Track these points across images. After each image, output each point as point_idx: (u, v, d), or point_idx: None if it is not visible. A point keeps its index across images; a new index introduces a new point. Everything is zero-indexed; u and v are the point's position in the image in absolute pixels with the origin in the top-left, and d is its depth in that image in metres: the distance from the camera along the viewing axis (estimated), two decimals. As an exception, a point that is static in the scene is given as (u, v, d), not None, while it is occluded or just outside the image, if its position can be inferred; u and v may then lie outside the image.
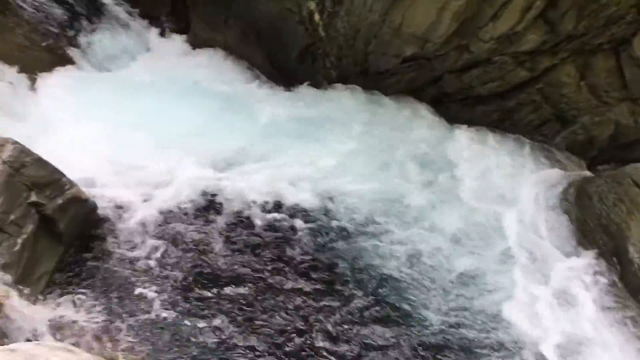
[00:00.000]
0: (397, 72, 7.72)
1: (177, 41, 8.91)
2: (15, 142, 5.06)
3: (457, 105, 7.95)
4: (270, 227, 6.16)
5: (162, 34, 8.98)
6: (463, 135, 7.59)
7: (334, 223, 6.33)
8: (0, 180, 4.78)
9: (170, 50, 8.55)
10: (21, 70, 7.60)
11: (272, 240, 6.03)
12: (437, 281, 5.88)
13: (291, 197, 6.49)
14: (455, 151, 7.37)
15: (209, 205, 6.25)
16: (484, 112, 7.79)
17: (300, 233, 6.14)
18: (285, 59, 8.06)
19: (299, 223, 6.23)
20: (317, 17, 7.64)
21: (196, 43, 8.69)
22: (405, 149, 7.26)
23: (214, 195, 6.35)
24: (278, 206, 6.40)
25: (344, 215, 6.43)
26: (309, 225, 6.24)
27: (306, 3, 7.59)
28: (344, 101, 7.80)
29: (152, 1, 9.15)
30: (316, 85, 8.15)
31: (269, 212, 6.31)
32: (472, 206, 6.76)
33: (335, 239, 6.17)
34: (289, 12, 7.79)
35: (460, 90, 7.76)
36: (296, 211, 6.37)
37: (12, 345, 3.10)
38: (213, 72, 8.11)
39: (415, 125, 7.56)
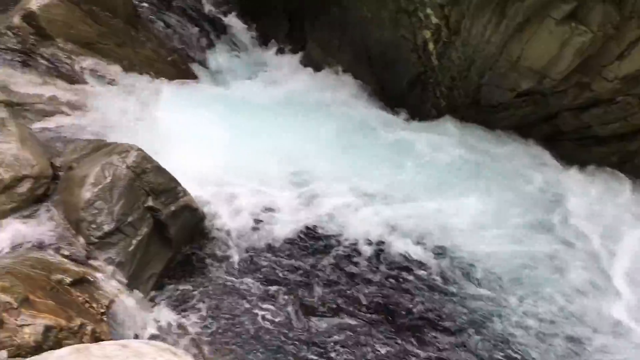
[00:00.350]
0: (511, 107, 7.52)
1: (292, 61, 9.22)
2: (139, 149, 5.39)
3: (571, 144, 7.61)
4: (387, 265, 6.06)
5: (278, 54, 9.33)
6: (581, 177, 7.20)
7: (461, 282, 6.01)
8: (123, 184, 5.10)
9: (285, 69, 8.84)
10: (148, 82, 8.17)
11: (385, 283, 5.90)
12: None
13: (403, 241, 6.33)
14: (577, 196, 6.95)
15: (324, 232, 6.26)
16: (602, 153, 7.40)
17: (414, 283, 5.95)
18: (396, 86, 8.09)
19: (416, 270, 6.08)
20: (431, 46, 7.61)
21: (310, 64, 8.94)
22: (520, 192, 6.95)
23: (330, 221, 6.36)
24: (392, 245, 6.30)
25: (480, 278, 6.07)
26: (426, 274, 6.05)
27: (421, 32, 7.59)
28: (453, 132, 7.68)
29: (271, 23, 9.53)
30: (423, 114, 8.10)
31: (381, 249, 6.22)
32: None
33: (459, 299, 5.84)
34: (403, 40, 7.83)
35: (577, 129, 7.42)
36: (412, 257, 6.21)
37: (123, 341, 3.28)
38: (328, 92, 8.29)
39: (528, 164, 7.27)
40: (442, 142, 7.51)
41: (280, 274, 5.74)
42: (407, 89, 8.07)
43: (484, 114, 7.77)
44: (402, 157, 7.34)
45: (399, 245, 6.27)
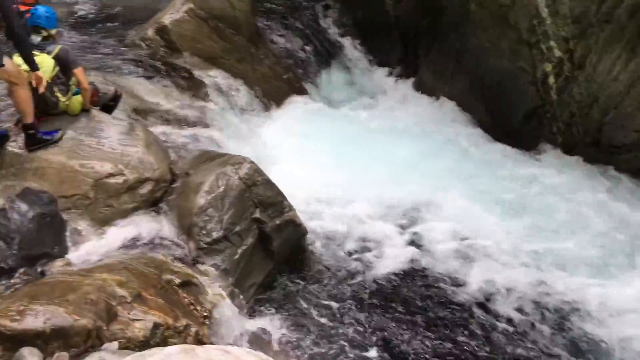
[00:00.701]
0: (635, 149, 7.05)
1: (404, 86, 9.24)
2: (252, 162, 5.58)
3: None
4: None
5: (390, 77, 9.38)
6: None
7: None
8: (234, 194, 5.29)
9: (397, 93, 8.87)
10: (262, 97, 8.48)
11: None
12: None
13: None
14: None
15: (433, 276, 5.92)
16: None
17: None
18: (509, 118, 7.86)
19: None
20: (551, 79, 7.34)
21: (421, 89, 8.91)
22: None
23: (443, 265, 6.02)
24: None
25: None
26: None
27: (542, 64, 7.35)
28: (571, 173, 7.28)
29: (385, 47, 9.60)
30: (535, 148, 7.79)
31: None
32: None
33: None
34: (521, 71, 7.61)
35: None
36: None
37: (226, 347, 3.38)
38: (437, 119, 8.20)
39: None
40: (576, 183, 7.02)
41: (374, 299, 5.58)
42: (521, 121, 7.82)
43: (605, 154, 7.34)
44: (544, 196, 6.84)
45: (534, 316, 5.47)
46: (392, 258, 6.02)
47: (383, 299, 5.65)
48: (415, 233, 6.38)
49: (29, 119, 4.94)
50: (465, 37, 8.12)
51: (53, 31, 5.35)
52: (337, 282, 5.81)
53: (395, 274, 5.89)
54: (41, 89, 4.88)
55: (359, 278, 5.82)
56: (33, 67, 4.80)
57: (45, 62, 5.08)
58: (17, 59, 4.84)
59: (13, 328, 3.45)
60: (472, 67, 8.24)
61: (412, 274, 5.92)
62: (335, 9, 10.42)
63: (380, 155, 7.35)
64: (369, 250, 6.11)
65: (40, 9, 5.25)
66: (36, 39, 5.17)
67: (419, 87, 8.99)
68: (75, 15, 9.69)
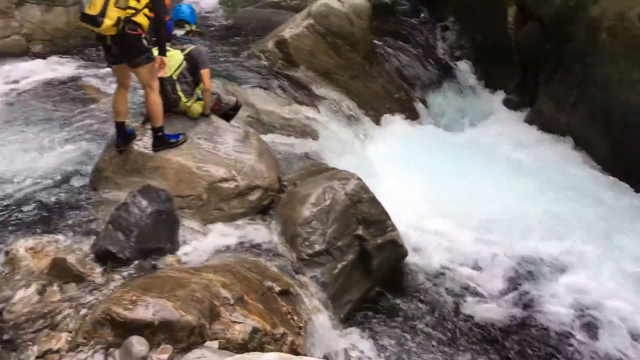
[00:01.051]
0: None
1: (519, 114, 8.91)
2: (359, 179, 5.59)
3: None
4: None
5: (504, 105, 9.08)
6: None
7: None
8: (339, 209, 5.32)
9: (511, 121, 8.56)
10: (372, 115, 8.51)
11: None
12: None
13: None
14: None
15: (529, 314, 5.54)
16: None
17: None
18: (637, 154, 7.31)
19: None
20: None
21: (538, 119, 8.54)
22: None
23: (539, 306, 5.59)
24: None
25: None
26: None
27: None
28: None
29: (502, 72, 9.33)
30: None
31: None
32: None
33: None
34: (655, 106, 7.09)
35: None
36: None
37: (320, 361, 3.39)
38: (554, 153, 7.78)
39: None
40: None
41: (468, 345, 5.26)
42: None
43: None
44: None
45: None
46: (497, 298, 5.70)
47: (480, 338, 5.36)
48: (530, 282, 5.87)
49: (159, 122, 5.26)
50: (591, 67, 7.69)
51: (194, 26, 5.73)
52: (433, 309, 5.63)
53: (499, 316, 5.54)
54: (161, 73, 5.09)
55: (458, 310, 5.59)
56: (162, 51, 5.03)
57: (174, 58, 5.41)
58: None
59: (125, 316, 3.65)
60: (598, 99, 7.78)
61: (517, 323, 5.48)
62: (454, 30, 10.30)
63: (490, 186, 6.98)
64: (473, 284, 5.84)
65: (184, 6, 5.69)
66: (180, 32, 5.52)
67: (535, 116, 8.62)
68: (201, 25, 10.24)
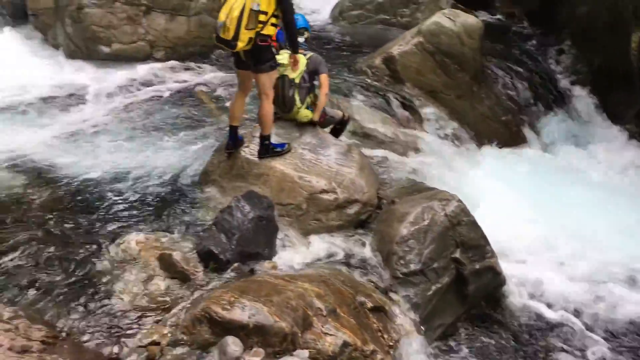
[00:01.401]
0: None
1: (636, 144, 8.37)
2: (459, 201, 5.46)
3: None
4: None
5: (622, 134, 8.57)
6: None
7: None
8: (438, 230, 5.22)
9: (628, 153, 8.05)
10: (477, 136, 8.30)
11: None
12: None
13: None
14: None
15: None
16: None
17: None
18: None
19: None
20: None
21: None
22: None
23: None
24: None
25: None
26: None
27: None
28: None
29: (623, 99, 8.81)
30: None
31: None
32: None
33: None
34: None
35: None
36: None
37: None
38: None
39: None
40: None
41: None
42: None
43: None
44: None
45: None
46: (605, 342, 5.33)
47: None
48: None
49: (268, 130, 5.44)
50: None
51: (308, 34, 5.94)
52: (528, 346, 5.37)
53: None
54: (295, 67, 5.48)
55: (558, 352, 5.29)
56: (295, 48, 5.38)
57: (301, 61, 5.60)
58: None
59: (223, 316, 3.78)
60: None
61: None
62: (570, 54, 9.86)
63: (601, 219, 6.60)
64: (579, 322, 5.52)
65: (299, 15, 5.92)
66: (301, 39, 5.74)
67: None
68: (313, 41, 10.48)
